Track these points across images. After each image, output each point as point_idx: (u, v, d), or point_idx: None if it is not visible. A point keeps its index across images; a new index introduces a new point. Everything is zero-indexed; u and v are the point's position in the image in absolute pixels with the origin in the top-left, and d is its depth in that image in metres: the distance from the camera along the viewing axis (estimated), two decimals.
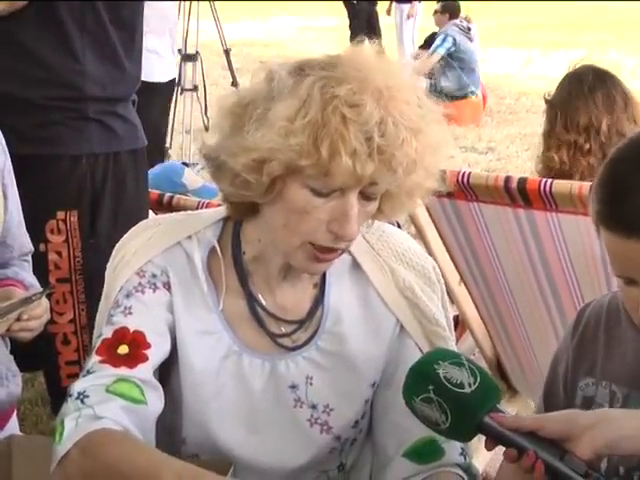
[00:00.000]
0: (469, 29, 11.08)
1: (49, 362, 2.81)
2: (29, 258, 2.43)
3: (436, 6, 11.50)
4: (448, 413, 1.52)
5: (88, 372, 1.66)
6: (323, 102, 1.54)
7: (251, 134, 1.58)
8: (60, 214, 2.71)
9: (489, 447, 1.53)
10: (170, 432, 1.76)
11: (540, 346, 3.16)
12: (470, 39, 10.98)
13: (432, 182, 1.68)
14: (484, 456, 2.72)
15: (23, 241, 2.38)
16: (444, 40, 10.74)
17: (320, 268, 1.71)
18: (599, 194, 1.60)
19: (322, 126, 1.53)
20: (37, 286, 2.35)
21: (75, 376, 2.69)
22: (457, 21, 11.08)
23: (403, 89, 1.61)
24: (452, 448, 1.75)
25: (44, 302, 2.22)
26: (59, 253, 2.73)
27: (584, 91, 3.18)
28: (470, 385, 1.52)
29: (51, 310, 2.53)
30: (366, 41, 1.66)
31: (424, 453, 1.74)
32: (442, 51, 10.68)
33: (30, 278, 2.38)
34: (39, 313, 2.21)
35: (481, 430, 1.52)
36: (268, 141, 1.55)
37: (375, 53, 1.65)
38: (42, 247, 2.71)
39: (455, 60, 10.69)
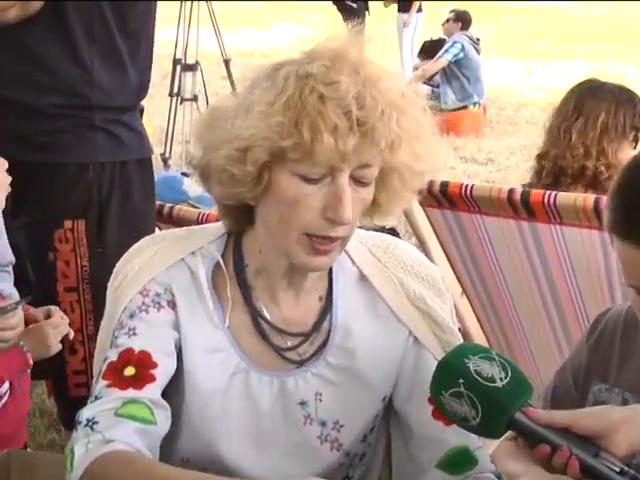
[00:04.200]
0: (478, 40, 11.09)
1: (56, 371, 2.81)
2: (9, 269, 2.44)
3: (448, 15, 11.48)
4: (479, 408, 1.49)
5: (96, 398, 1.63)
6: (300, 84, 1.54)
7: (230, 123, 1.58)
8: (67, 223, 2.71)
9: (520, 444, 1.51)
10: (165, 452, 1.71)
11: (542, 359, 3.15)
12: (478, 50, 10.99)
13: (423, 166, 1.66)
14: None
15: (3, 252, 2.39)
16: (452, 46, 10.74)
17: (321, 262, 1.65)
18: (613, 203, 1.61)
19: (301, 107, 1.52)
20: (16, 297, 2.37)
21: (82, 385, 2.73)
22: (466, 31, 11.09)
23: (381, 69, 1.61)
24: (484, 456, 1.72)
25: (19, 313, 2.23)
26: (67, 262, 2.73)
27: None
28: (502, 379, 1.49)
29: None
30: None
31: (458, 463, 1.70)
32: (449, 57, 10.68)
33: (9, 289, 2.39)
34: (14, 323, 2.22)
35: (512, 426, 1.49)
36: (248, 127, 1.55)
37: (351, 31, 1.64)
38: (51, 256, 2.72)
39: (462, 68, 10.69)
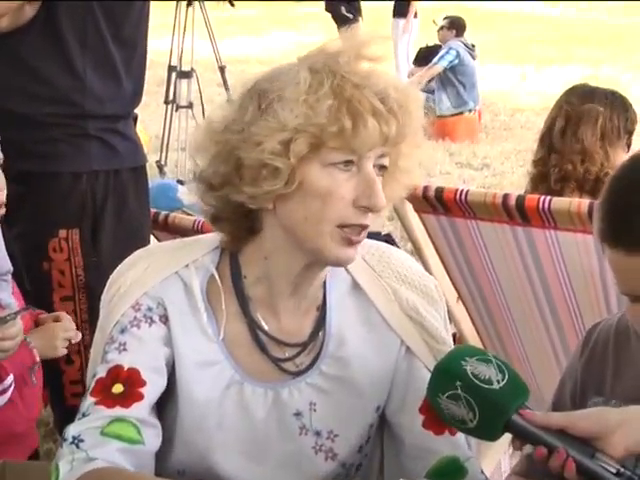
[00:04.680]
0: (473, 46, 11.09)
1: (53, 381, 2.81)
2: (8, 278, 2.44)
3: (442, 22, 11.46)
4: (476, 410, 1.49)
5: (83, 415, 1.63)
6: (331, 74, 1.57)
7: (274, 116, 1.57)
8: (62, 232, 2.71)
9: (517, 446, 1.52)
10: (160, 464, 1.71)
11: (538, 363, 3.15)
12: (473, 56, 10.99)
13: (418, 160, 1.71)
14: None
15: (1, 261, 2.39)
16: (447, 52, 10.74)
17: (351, 254, 1.65)
18: (602, 212, 1.62)
19: (338, 94, 1.55)
20: (14, 306, 2.37)
21: (79, 395, 2.72)
22: (461, 37, 11.09)
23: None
24: (474, 467, 1.72)
25: (19, 323, 2.23)
26: (62, 271, 2.73)
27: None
28: (499, 382, 1.50)
29: None
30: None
31: (448, 473, 1.69)
32: (445, 63, 10.69)
33: (8, 298, 2.39)
34: (13, 333, 2.22)
35: (509, 428, 1.50)
36: (297, 115, 1.55)
37: (360, 31, 1.68)
38: (45, 265, 2.72)
39: (457, 74, 10.69)
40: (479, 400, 1.50)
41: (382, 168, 1.63)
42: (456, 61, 10.71)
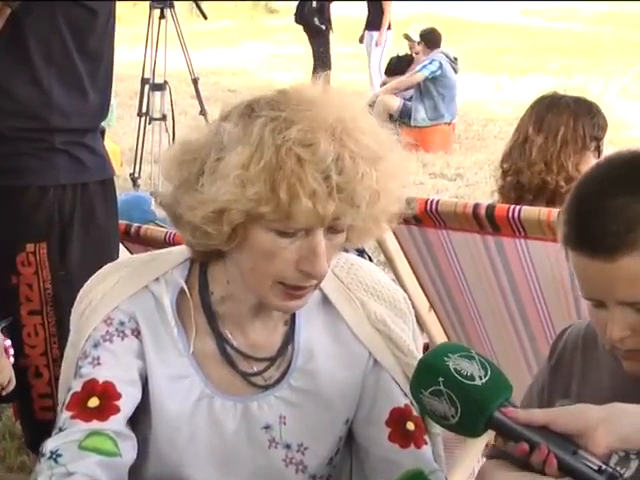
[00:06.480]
0: (455, 59, 11.09)
1: (22, 395, 2.79)
2: None
3: (414, 36, 11.44)
4: (458, 406, 1.50)
5: (60, 429, 1.63)
6: (276, 145, 1.50)
7: (206, 188, 1.55)
8: (29, 246, 2.69)
9: (499, 443, 1.53)
10: (133, 478, 1.70)
11: (510, 372, 3.13)
12: (455, 69, 10.99)
13: (397, 206, 1.65)
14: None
15: None
16: (430, 63, 10.73)
17: (294, 305, 1.66)
18: (565, 216, 1.63)
19: (278, 169, 1.49)
20: None
21: (48, 409, 2.72)
22: (444, 49, 11.09)
23: (357, 119, 1.58)
24: (438, 479, 1.72)
25: None
26: (30, 285, 2.71)
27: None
28: (481, 378, 1.50)
29: (22, 343, 2.55)
30: (316, 76, 1.64)
31: None
32: (426, 72, 10.67)
33: None
34: None
35: (491, 425, 1.50)
36: (224, 193, 1.52)
37: (322, 88, 1.61)
38: (14, 279, 2.71)
39: (438, 86, 10.69)
40: (461, 396, 1.50)
41: (334, 231, 1.59)
42: (438, 72, 10.71)
